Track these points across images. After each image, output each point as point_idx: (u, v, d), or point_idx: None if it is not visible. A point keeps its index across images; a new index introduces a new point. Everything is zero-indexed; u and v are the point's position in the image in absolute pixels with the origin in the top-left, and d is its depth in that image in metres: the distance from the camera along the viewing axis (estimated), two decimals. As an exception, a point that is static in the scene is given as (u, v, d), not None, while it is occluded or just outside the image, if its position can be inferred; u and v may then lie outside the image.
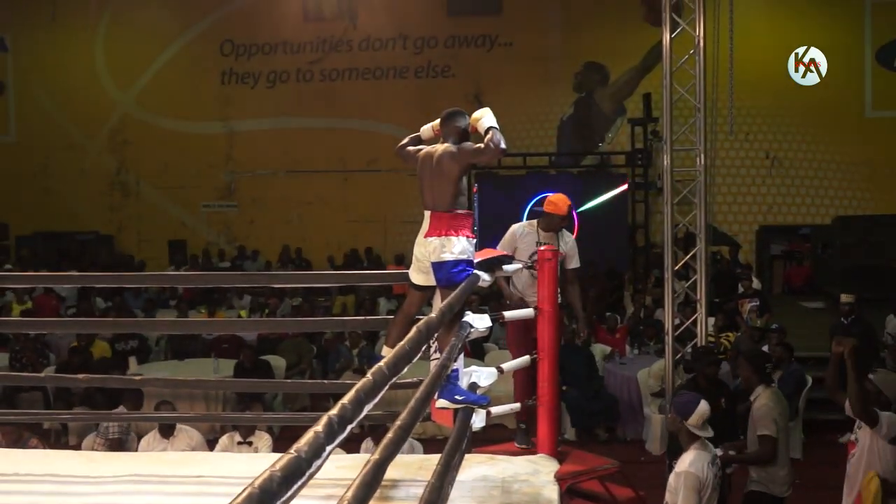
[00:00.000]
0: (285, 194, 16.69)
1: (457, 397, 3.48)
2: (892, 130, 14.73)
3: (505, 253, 4.54)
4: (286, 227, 16.62)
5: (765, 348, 7.68)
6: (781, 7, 15.21)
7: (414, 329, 2.42)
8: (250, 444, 6.29)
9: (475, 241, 3.72)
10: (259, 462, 4.22)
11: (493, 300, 9.51)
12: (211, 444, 6.52)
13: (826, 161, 15.30)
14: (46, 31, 17.00)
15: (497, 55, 16.11)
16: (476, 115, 3.73)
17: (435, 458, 2.82)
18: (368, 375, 1.85)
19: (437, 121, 3.85)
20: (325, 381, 7.36)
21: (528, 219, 5.26)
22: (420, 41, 16.40)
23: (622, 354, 9.45)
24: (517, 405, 4.48)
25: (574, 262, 5.03)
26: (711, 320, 8.50)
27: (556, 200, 4.93)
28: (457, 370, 3.55)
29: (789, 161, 15.40)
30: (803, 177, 15.41)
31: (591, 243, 11.99)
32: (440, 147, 3.73)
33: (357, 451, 5.64)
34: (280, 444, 6.42)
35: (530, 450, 4.44)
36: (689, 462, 4.08)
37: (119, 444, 6.50)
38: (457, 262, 3.57)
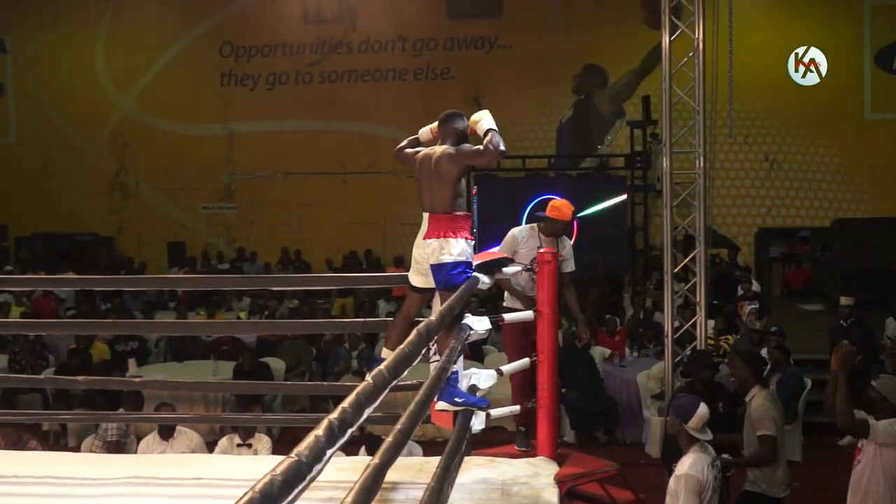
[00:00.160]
0: (285, 196, 16.70)
1: (456, 399, 3.47)
2: (891, 133, 14.75)
3: (504, 255, 4.54)
4: (285, 229, 16.63)
5: (764, 351, 7.67)
6: (781, 10, 15.22)
7: (414, 332, 2.42)
8: (250, 446, 6.30)
9: (474, 242, 3.71)
10: (259, 464, 4.22)
11: (490, 303, 9.51)
12: (210, 447, 6.52)
13: (825, 164, 15.32)
14: (46, 32, 17.02)
15: (496, 57, 16.12)
16: (475, 117, 3.72)
17: (435, 461, 2.82)
18: (369, 378, 1.85)
19: (436, 123, 3.84)
20: (325, 384, 7.37)
21: (527, 223, 5.24)
22: (420, 43, 16.41)
23: (622, 357, 9.42)
24: (517, 407, 4.48)
25: (570, 266, 5.02)
26: (711, 323, 8.50)
27: (561, 206, 4.89)
28: (456, 372, 3.55)
29: (788, 164, 15.41)
30: (802, 179, 15.42)
31: (591, 246, 12.04)
32: (439, 149, 3.71)
33: (356, 453, 5.64)
34: (279, 447, 6.42)
35: (530, 452, 4.43)
36: (690, 465, 4.07)
37: (117, 447, 6.49)
38: (456, 264, 3.56)
